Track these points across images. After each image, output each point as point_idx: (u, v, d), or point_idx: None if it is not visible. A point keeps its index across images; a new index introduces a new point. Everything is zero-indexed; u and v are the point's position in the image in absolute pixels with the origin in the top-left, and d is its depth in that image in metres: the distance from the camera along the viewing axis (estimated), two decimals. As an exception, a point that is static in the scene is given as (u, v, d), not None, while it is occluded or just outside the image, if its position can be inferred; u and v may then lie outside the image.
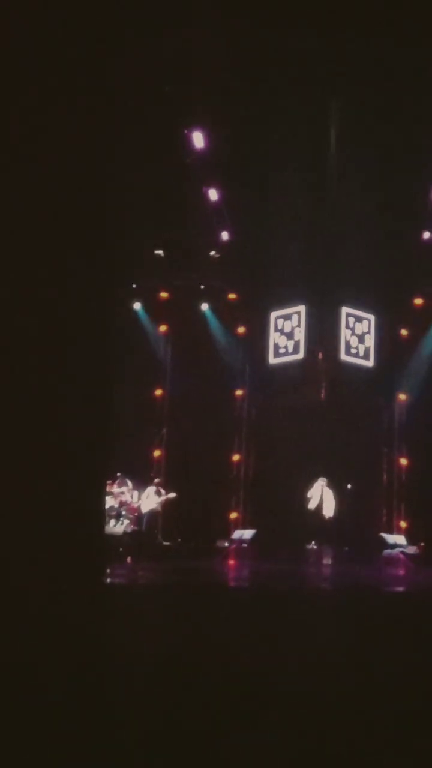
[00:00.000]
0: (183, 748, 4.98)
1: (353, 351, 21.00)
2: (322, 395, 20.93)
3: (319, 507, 19.40)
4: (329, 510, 19.53)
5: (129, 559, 17.36)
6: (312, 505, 19.43)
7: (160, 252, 21.26)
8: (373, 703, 5.95)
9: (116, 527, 18.76)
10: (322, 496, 19.47)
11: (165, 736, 5.10)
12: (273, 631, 8.04)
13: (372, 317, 21.27)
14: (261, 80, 16.57)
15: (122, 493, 19.37)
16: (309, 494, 19.59)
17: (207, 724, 5.31)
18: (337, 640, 7.82)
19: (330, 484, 19.62)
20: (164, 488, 20.16)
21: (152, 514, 19.79)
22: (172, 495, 19.95)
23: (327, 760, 5.00)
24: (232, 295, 22.21)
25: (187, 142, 18.14)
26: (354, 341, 21.00)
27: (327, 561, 18.90)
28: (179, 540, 20.76)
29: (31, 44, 10.11)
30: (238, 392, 22.74)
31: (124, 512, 19.13)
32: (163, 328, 22.96)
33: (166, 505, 20.14)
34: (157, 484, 20.18)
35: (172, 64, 15.03)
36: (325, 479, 19.49)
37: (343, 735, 5.36)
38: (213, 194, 19.64)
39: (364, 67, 16.22)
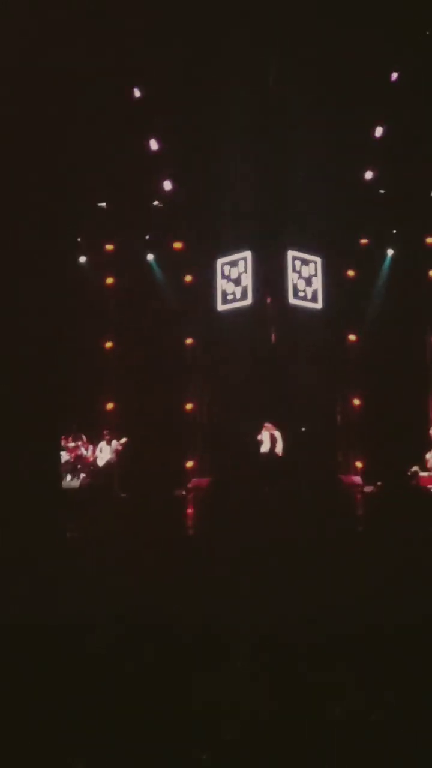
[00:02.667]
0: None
1: (301, 294, 21.03)
2: (273, 339, 21.00)
3: (272, 450, 19.49)
4: (280, 451, 19.63)
5: (87, 512, 17.39)
6: (263, 448, 19.53)
7: (103, 204, 21.12)
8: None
9: (72, 481, 18.82)
10: (272, 439, 19.56)
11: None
12: (232, 579, 8.16)
13: (318, 260, 21.29)
14: (200, 26, 16.45)
15: (77, 447, 19.40)
16: (259, 438, 19.68)
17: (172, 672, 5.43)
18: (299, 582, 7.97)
19: (279, 426, 19.70)
20: (116, 439, 20.28)
21: (108, 466, 19.85)
22: (124, 440, 20.05)
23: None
24: (177, 245, 22.11)
25: (128, 93, 17.99)
26: (301, 284, 21.03)
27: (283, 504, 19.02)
28: (136, 491, 20.82)
29: None
30: (189, 341, 22.69)
31: (80, 466, 19.18)
32: (109, 280, 22.83)
33: (122, 451, 20.20)
34: (108, 438, 20.25)
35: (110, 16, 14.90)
36: (269, 423, 19.59)
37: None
38: (154, 144, 19.50)
39: (305, 8, 16.16)
